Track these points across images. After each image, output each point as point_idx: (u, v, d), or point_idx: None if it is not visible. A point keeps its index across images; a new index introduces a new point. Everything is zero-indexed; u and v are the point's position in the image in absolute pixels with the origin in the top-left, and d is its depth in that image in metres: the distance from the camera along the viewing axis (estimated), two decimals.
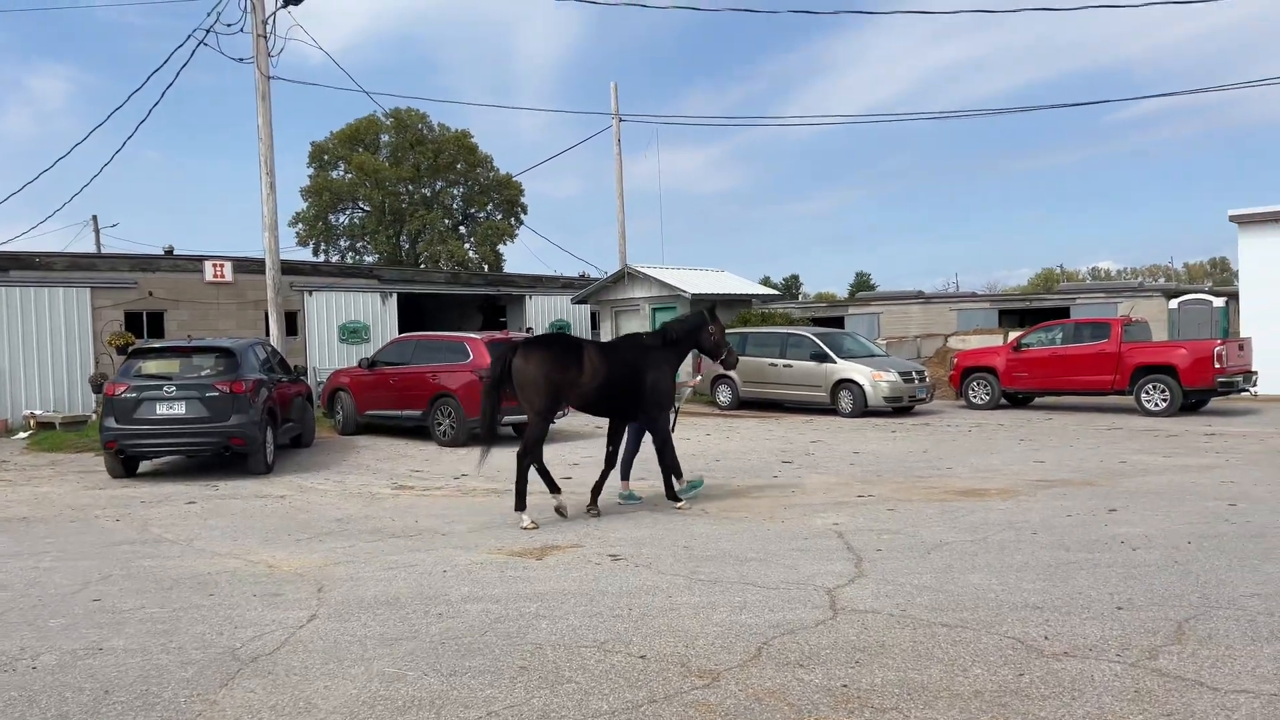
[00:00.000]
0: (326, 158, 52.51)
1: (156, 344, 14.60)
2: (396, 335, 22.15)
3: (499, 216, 55.31)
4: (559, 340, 9.55)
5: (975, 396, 20.62)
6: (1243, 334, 22.46)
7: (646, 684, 4.64)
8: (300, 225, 52.72)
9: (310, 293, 23.98)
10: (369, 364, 16.99)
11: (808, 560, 7.14)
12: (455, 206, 55.67)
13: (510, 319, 29.62)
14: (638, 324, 26.02)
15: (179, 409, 12.35)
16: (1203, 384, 17.66)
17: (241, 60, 18.03)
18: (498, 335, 16.02)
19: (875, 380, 19.10)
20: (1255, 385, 18.81)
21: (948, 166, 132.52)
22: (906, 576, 6.60)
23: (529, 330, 27.95)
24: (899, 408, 19.42)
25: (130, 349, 14.16)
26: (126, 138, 53.90)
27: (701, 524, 8.72)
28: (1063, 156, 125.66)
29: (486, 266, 52.38)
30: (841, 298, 59.45)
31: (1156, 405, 17.99)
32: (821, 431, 16.87)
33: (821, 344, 20.22)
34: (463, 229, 55.71)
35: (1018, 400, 20.82)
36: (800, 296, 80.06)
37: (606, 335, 26.85)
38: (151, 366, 12.79)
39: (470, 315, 30.42)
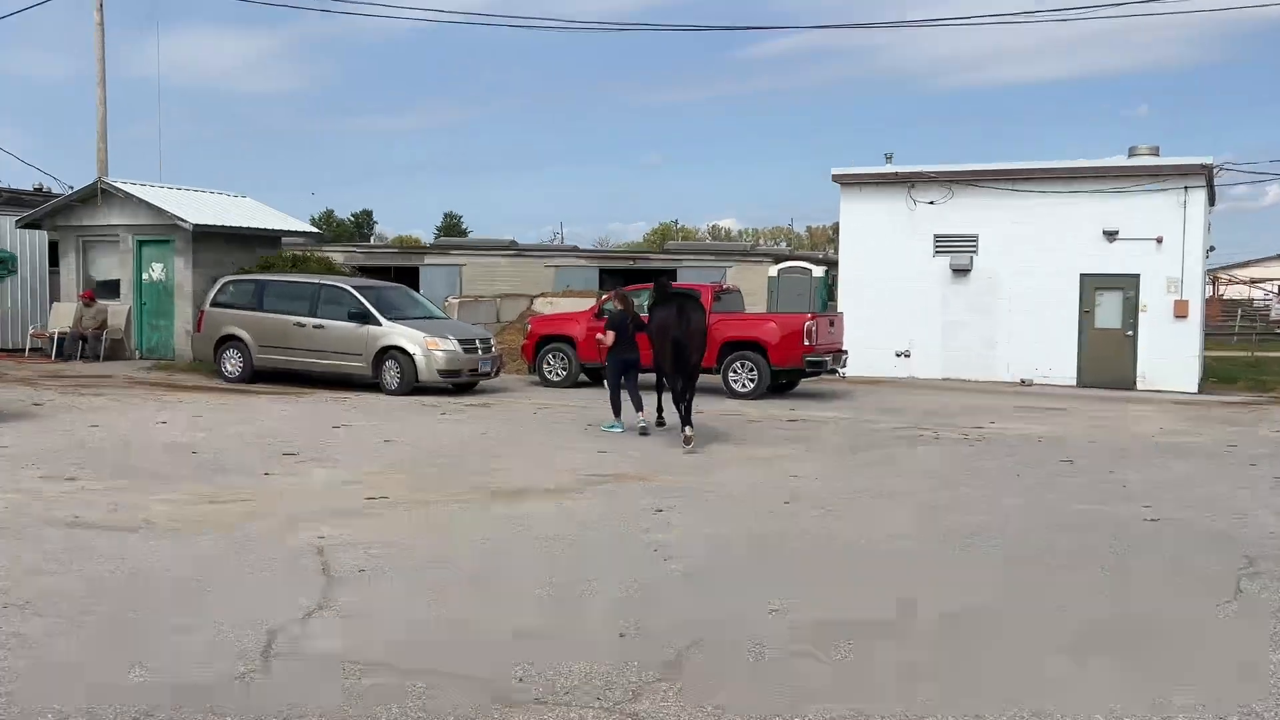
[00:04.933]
0: None
1: None
2: None
3: None
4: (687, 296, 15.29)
5: (550, 372, 21.32)
6: (840, 306, 25.44)
7: None
8: None
9: None
10: None
11: (264, 589, 6.78)
12: None
13: None
14: (117, 262, 23.84)
15: None
16: (792, 363, 19.60)
17: None
18: None
19: (429, 349, 19.02)
20: (845, 366, 21.31)
21: (560, 93, 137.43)
22: (382, 604, 6.50)
23: None
24: (459, 384, 19.55)
25: None
26: None
27: (137, 541, 7.99)
28: (688, 93, 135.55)
29: None
30: (426, 243, 59.31)
31: (744, 386, 19.70)
32: (353, 412, 16.49)
33: (364, 300, 19.74)
34: None
35: (600, 376, 21.82)
36: (374, 238, 78.87)
37: (70, 272, 24.24)
38: None
39: None
